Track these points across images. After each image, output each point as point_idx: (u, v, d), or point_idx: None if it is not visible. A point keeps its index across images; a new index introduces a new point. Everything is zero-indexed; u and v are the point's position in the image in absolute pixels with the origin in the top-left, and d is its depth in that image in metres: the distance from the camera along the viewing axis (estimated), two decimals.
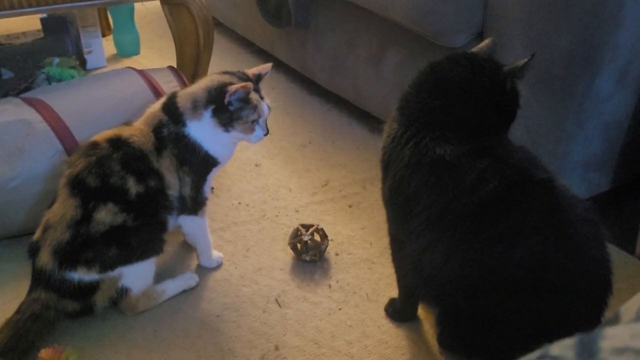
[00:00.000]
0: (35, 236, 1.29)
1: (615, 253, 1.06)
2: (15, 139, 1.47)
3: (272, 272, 1.49)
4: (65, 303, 1.27)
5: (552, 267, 0.98)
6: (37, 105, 1.53)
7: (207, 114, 1.35)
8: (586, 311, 1.01)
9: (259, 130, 1.40)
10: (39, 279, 1.26)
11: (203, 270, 1.49)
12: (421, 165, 1.07)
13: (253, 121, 1.37)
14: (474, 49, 1.19)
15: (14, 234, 1.53)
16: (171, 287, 1.41)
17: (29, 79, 2.08)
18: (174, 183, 1.37)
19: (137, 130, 1.36)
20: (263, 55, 2.76)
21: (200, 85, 1.40)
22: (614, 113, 1.46)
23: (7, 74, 2.21)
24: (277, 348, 1.27)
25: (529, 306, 1.00)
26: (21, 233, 1.52)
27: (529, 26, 1.38)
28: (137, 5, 2.87)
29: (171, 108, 1.38)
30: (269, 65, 1.48)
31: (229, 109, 1.34)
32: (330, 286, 1.44)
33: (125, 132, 1.35)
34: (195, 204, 1.42)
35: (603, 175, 1.56)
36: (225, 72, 1.42)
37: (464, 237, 1.02)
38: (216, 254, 1.52)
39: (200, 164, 1.39)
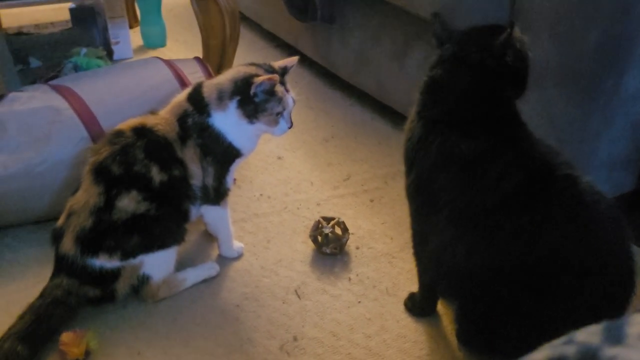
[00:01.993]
0: (60, 222, 1.30)
1: (638, 254, 1.04)
2: (42, 125, 1.49)
3: (292, 264, 1.49)
4: (86, 289, 1.28)
5: (573, 262, 0.97)
6: (65, 93, 1.54)
7: (233, 105, 1.35)
8: (608, 309, 1.00)
9: (283, 123, 1.40)
10: (62, 264, 1.28)
11: (224, 260, 1.50)
12: (448, 163, 1.07)
13: (278, 114, 1.37)
14: None
15: (38, 219, 1.55)
16: (192, 275, 1.42)
17: (56, 68, 2.11)
18: (197, 173, 1.37)
19: (162, 119, 1.37)
20: (288, 49, 2.77)
21: (226, 76, 1.40)
22: None
23: (35, 63, 2.24)
24: (295, 339, 1.27)
25: (549, 302, 0.99)
26: (45, 219, 1.54)
27: (556, 21, 1.36)
28: None
29: (196, 98, 1.38)
30: (295, 58, 1.48)
31: (254, 100, 1.34)
32: (350, 279, 1.44)
33: (150, 120, 1.36)
34: (217, 195, 1.42)
35: (628, 175, 1.54)
36: (252, 64, 1.42)
37: (487, 231, 1.02)
38: (237, 244, 1.53)
39: (223, 155, 1.39)
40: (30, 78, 2.08)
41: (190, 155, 1.36)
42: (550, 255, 0.97)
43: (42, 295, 1.26)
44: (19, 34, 2.38)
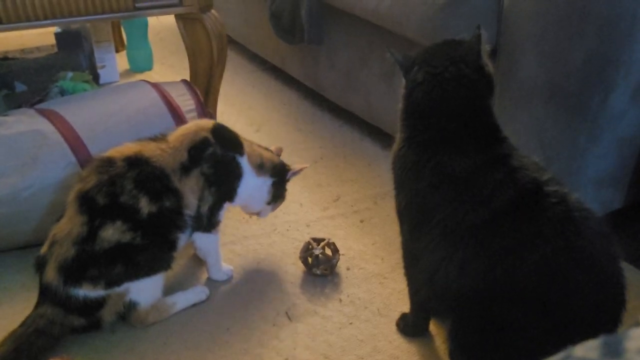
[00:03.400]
0: (43, 250, 1.28)
1: (628, 270, 1.04)
2: (28, 149, 1.47)
3: (283, 286, 1.48)
4: (71, 319, 1.26)
5: (563, 279, 0.97)
6: (51, 117, 1.54)
7: (267, 182, 1.51)
8: (599, 326, 1.00)
9: (270, 209, 1.59)
10: (46, 294, 1.25)
11: (213, 283, 1.48)
12: (441, 182, 1.07)
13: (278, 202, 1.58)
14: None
15: (25, 244, 1.53)
16: (182, 300, 1.40)
17: (42, 93, 2.09)
18: (193, 203, 1.37)
19: (166, 147, 1.36)
20: (275, 72, 2.78)
21: (259, 150, 1.52)
22: (628, 130, 1.45)
23: (21, 88, 2.23)
24: None
25: (540, 320, 0.98)
26: (32, 243, 1.52)
27: (543, 41, 1.38)
28: (150, 22, 2.90)
29: (227, 136, 1.44)
30: (281, 147, 1.64)
31: (284, 185, 1.54)
32: (341, 300, 1.43)
33: (148, 149, 1.34)
34: (210, 224, 1.42)
35: (616, 192, 1.55)
36: (268, 150, 1.56)
37: (478, 248, 1.02)
38: (226, 267, 1.51)
39: (226, 192, 1.42)
40: (15, 103, 2.06)
41: (190, 185, 1.35)
42: (539, 271, 0.97)
43: (24, 323, 1.23)
44: (5, 58, 2.37)
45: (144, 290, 1.32)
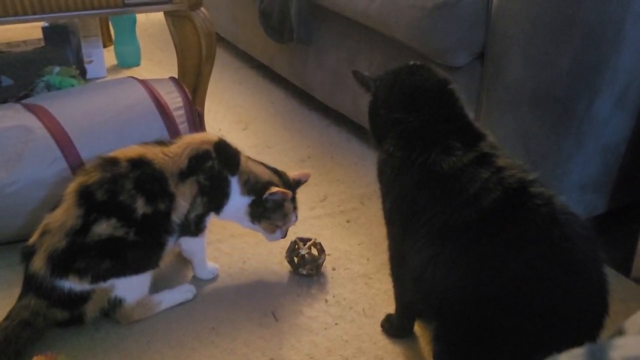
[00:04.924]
0: (32, 239, 1.28)
1: (611, 275, 1.05)
2: (14, 145, 1.46)
3: (269, 286, 1.48)
4: (54, 311, 1.26)
5: (547, 282, 0.98)
6: (38, 112, 1.53)
7: (246, 200, 1.45)
8: (582, 329, 1.01)
9: (277, 234, 1.50)
10: (30, 284, 1.25)
11: (199, 282, 1.48)
12: (429, 181, 1.08)
13: (277, 225, 1.47)
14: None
15: (10, 239, 1.52)
16: (168, 298, 1.41)
17: (28, 87, 2.08)
18: (183, 208, 1.38)
19: (168, 152, 1.38)
20: (263, 70, 2.78)
21: (256, 169, 1.48)
22: (612, 136, 1.47)
23: (7, 82, 2.21)
24: None
25: (523, 322, 0.99)
26: (17, 239, 1.50)
27: (529, 47, 1.39)
28: (139, 17, 2.89)
29: (227, 154, 1.44)
30: (309, 173, 1.58)
31: (264, 205, 1.44)
32: (326, 301, 1.43)
33: (152, 152, 1.36)
34: (197, 228, 1.43)
35: (600, 197, 1.57)
36: (273, 170, 1.51)
37: (465, 248, 1.02)
38: (211, 265, 1.52)
39: (216, 205, 1.43)
40: (1, 97, 2.04)
41: (184, 191, 1.36)
42: (523, 272, 0.98)
43: (8, 316, 1.23)
44: None
45: (130, 287, 1.32)
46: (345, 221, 1.73)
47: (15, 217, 1.48)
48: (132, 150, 1.36)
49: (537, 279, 0.98)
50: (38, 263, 1.24)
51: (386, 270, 1.39)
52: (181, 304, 1.41)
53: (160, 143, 1.41)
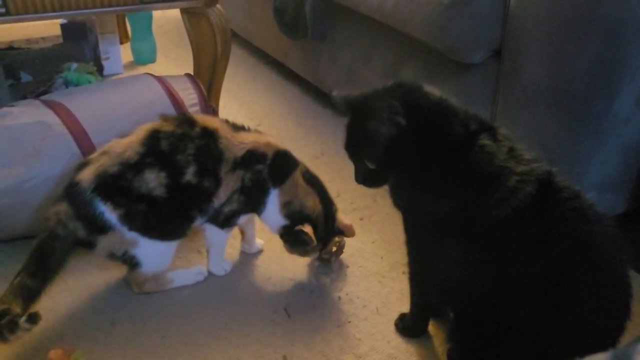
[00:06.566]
0: (92, 155, 1.35)
1: (631, 276, 1.04)
2: (33, 141, 1.47)
3: (282, 282, 1.48)
4: (77, 225, 1.30)
5: (572, 277, 0.96)
6: (56, 108, 1.54)
7: (280, 220, 1.44)
8: (603, 331, 1.00)
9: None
10: (70, 191, 1.30)
11: (212, 278, 1.49)
12: (470, 182, 1.04)
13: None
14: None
15: (27, 234, 1.53)
16: (180, 277, 1.46)
17: (47, 83, 2.10)
18: (222, 197, 1.40)
19: (237, 138, 1.40)
20: (277, 66, 2.78)
21: (308, 202, 1.44)
22: (632, 135, 1.44)
23: (26, 78, 2.23)
24: (285, 358, 1.26)
25: (546, 319, 0.98)
26: (33, 234, 1.50)
27: (548, 45, 1.38)
28: (155, 14, 2.90)
29: (280, 165, 1.44)
30: (354, 232, 1.54)
31: (296, 235, 1.42)
32: (339, 298, 1.43)
33: (225, 131, 1.40)
34: (225, 223, 1.45)
35: (619, 197, 1.55)
36: (327, 210, 1.47)
37: (495, 245, 1.01)
38: (226, 262, 1.52)
39: (252, 205, 1.44)
40: (21, 93, 2.07)
41: (228, 181, 1.39)
42: (549, 269, 0.96)
43: (43, 228, 1.30)
44: (10, 48, 2.37)
45: (149, 255, 1.36)
46: (358, 219, 1.72)
47: (30, 212, 1.49)
48: (212, 121, 1.41)
49: (563, 277, 0.96)
50: (87, 175, 1.30)
51: (400, 269, 1.39)
52: (194, 299, 1.42)
53: (235, 126, 1.44)
